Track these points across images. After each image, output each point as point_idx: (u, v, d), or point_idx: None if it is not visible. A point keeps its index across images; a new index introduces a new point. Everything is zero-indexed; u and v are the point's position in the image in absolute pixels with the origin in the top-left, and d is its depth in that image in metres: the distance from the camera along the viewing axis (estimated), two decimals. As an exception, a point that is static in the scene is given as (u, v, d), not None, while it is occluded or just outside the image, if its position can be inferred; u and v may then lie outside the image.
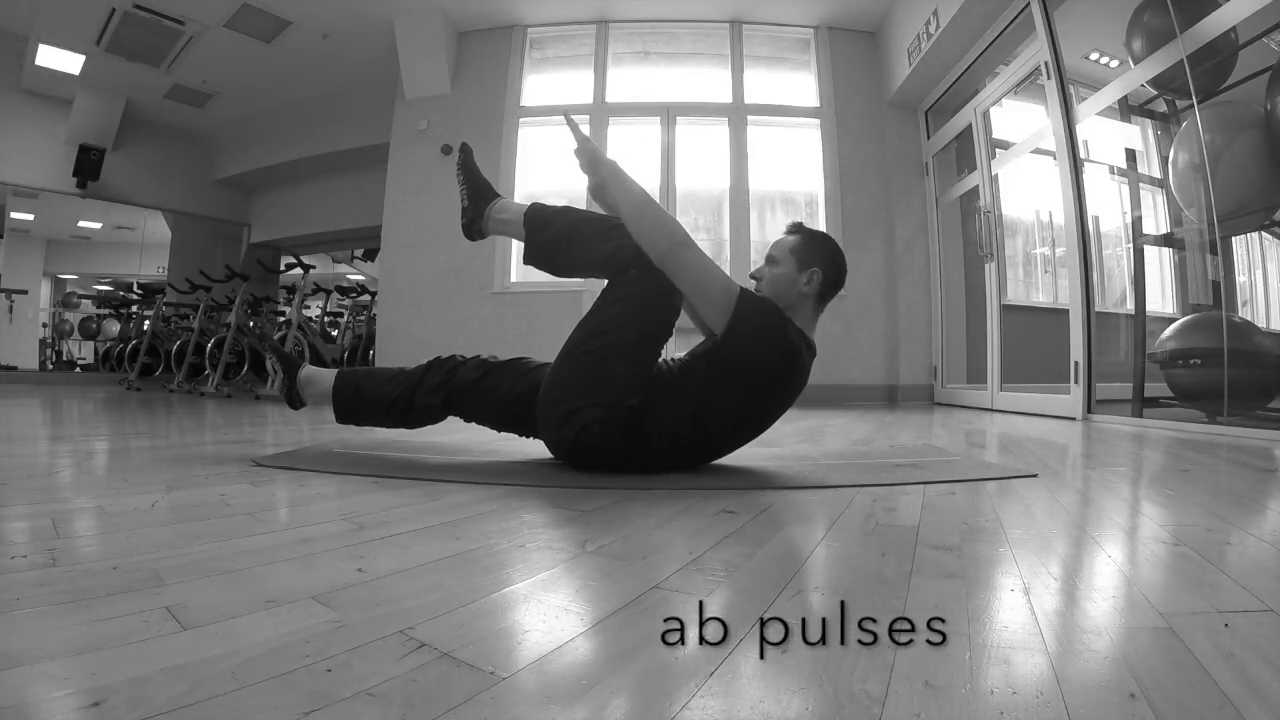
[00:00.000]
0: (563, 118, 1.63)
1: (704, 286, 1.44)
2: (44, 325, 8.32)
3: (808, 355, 1.50)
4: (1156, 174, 3.69)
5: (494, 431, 1.66)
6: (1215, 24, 2.75)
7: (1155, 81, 3.19)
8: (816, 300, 1.54)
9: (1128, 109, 3.65)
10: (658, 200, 1.67)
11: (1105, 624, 0.62)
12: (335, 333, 7.40)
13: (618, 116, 5.33)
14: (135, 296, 7.97)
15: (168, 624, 0.57)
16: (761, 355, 1.44)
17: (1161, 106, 3.55)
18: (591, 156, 1.54)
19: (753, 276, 1.59)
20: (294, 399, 1.72)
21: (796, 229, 1.58)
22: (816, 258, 1.52)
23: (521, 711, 0.45)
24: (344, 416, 1.68)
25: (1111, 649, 0.56)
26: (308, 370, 1.72)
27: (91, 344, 8.69)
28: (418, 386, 1.59)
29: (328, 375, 1.69)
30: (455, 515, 1.05)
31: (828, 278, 1.53)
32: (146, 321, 6.59)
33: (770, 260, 1.55)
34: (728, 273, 1.48)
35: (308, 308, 6.13)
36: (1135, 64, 3.27)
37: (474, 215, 1.59)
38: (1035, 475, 1.52)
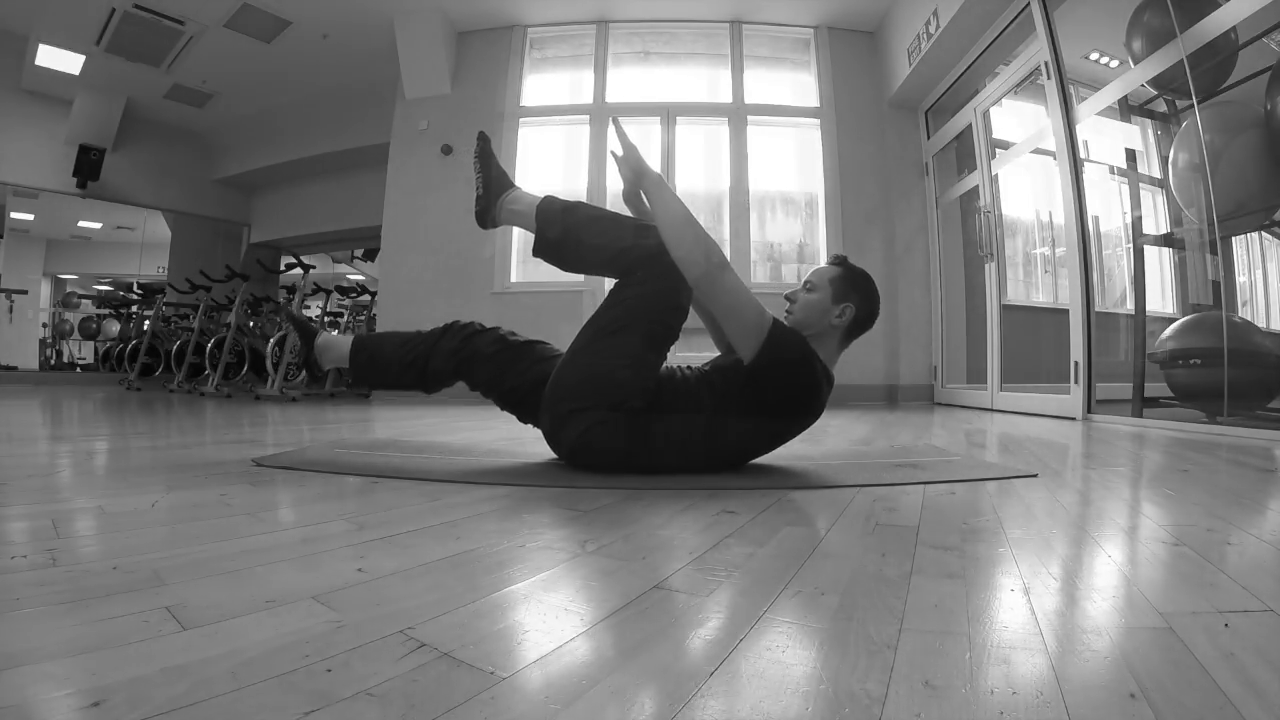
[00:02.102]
0: (610, 122, 1.63)
1: (738, 312, 1.44)
2: (44, 325, 8.33)
3: (826, 389, 1.51)
4: (1156, 174, 3.69)
5: (494, 432, 1.66)
6: (1215, 24, 2.75)
7: (1155, 81, 3.19)
8: (844, 334, 1.55)
9: (1128, 109, 3.65)
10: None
11: (1105, 624, 0.62)
12: (335, 333, 7.39)
13: (618, 117, 5.32)
14: (135, 296, 7.98)
15: (168, 624, 0.57)
16: (785, 387, 1.45)
17: (1161, 106, 3.55)
18: (637, 167, 1.53)
19: (787, 298, 1.59)
20: (313, 366, 1.73)
21: (840, 261, 1.59)
22: (853, 293, 1.53)
23: (521, 711, 0.45)
24: (360, 378, 1.69)
25: (1111, 649, 0.56)
26: (324, 336, 1.74)
27: (91, 344, 8.70)
28: (432, 352, 1.59)
29: (344, 341, 1.71)
30: (455, 515, 1.05)
31: (860, 315, 1.53)
32: (146, 321, 6.60)
33: (808, 286, 1.55)
34: None
35: (308, 308, 6.13)
36: (1135, 64, 3.27)
37: (487, 204, 1.59)
38: (1035, 475, 1.52)
